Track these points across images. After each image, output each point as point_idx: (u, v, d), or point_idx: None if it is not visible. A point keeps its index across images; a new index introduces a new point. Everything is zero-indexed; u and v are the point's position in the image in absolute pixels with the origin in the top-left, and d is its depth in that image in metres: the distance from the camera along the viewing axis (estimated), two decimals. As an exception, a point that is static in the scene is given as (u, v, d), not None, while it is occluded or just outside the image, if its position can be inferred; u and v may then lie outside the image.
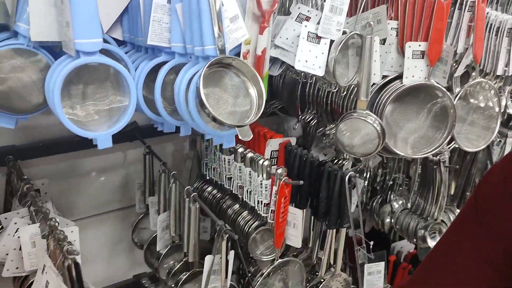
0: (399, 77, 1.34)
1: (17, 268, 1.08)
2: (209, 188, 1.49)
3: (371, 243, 1.31)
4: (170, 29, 0.93)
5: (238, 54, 0.99)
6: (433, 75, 1.29)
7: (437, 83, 1.28)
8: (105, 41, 1.03)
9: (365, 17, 1.21)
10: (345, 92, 1.27)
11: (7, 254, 1.08)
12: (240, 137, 0.86)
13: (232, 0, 0.92)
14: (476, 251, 0.68)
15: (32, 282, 1.08)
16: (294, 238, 1.27)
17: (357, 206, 1.37)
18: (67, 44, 0.80)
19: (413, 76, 1.33)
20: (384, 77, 1.35)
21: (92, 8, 0.77)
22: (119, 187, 1.55)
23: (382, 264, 1.33)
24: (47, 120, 1.29)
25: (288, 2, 1.31)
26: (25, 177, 1.16)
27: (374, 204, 1.83)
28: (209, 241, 1.52)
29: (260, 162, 1.27)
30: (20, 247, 1.04)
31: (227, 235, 1.11)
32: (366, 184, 1.75)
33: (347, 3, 1.16)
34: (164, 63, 0.96)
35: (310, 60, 1.16)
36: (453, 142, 1.40)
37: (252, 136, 0.87)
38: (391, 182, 1.81)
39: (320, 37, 1.17)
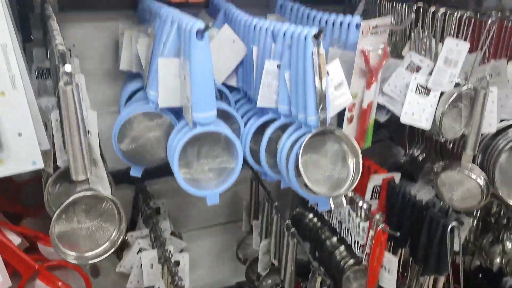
0: (520, 123, 1.27)
1: (138, 281, 1.26)
2: (310, 215, 1.55)
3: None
4: (278, 92, 1.00)
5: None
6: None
7: None
8: (220, 92, 1.14)
9: (481, 70, 1.15)
10: (451, 144, 1.23)
11: (131, 267, 1.27)
12: (332, 207, 0.91)
13: (338, 68, 0.96)
14: None
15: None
16: (389, 281, 1.29)
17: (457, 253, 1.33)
18: (186, 112, 0.91)
19: (535, 126, 1.24)
20: (502, 121, 1.28)
21: (208, 88, 0.87)
22: (228, 203, 1.69)
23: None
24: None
25: (400, 44, 1.30)
26: (149, 200, 1.34)
27: (484, 241, 1.75)
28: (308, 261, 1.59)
29: (359, 203, 1.29)
30: (141, 265, 1.22)
31: (321, 278, 1.18)
32: (475, 223, 1.67)
33: (464, 56, 1.12)
34: (270, 120, 1.04)
35: (417, 112, 1.15)
36: None
37: (345, 205, 0.91)
38: (505, 221, 1.71)
39: (430, 89, 1.15)
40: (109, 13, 1.26)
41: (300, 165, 0.88)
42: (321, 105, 0.90)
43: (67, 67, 0.71)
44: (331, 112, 0.96)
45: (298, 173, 0.89)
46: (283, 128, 1.01)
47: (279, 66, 0.98)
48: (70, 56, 1.20)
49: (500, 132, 1.30)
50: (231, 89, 1.20)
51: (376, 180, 1.45)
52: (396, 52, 1.31)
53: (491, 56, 1.29)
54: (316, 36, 0.87)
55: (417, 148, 1.57)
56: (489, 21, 1.05)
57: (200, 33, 0.82)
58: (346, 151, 0.94)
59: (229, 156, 0.95)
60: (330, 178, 0.93)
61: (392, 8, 1.28)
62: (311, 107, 0.91)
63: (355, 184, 0.92)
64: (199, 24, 0.83)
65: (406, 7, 1.24)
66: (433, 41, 1.18)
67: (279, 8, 1.37)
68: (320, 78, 0.89)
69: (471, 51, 1.19)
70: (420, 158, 1.56)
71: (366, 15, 1.40)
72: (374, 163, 1.50)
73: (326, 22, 1.17)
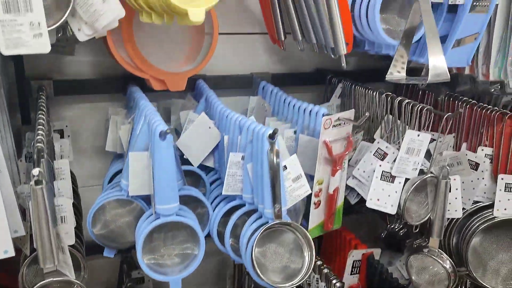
0: (493, 205, 1.30)
1: None
2: (293, 286, 1.58)
3: None
4: (243, 180, 1.06)
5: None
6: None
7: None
8: (195, 173, 1.22)
9: (443, 159, 1.20)
10: (417, 229, 1.27)
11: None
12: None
13: (295, 163, 1.02)
14: None
15: None
16: None
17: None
18: (152, 202, 0.99)
19: (505, 209, 1.28)
20: (476, 202, 1.32)
21: (170, 183, 0.94)
22: (214, 270, 1.73)
23: None
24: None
25: (373, 128, 1.37)
26: (131, 271, 1.40)
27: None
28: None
29: (333, 282, 1.32)
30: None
31: None
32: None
33: (426, 145, 1.17)
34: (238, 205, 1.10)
35: (382, 198, 1.20)
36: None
37: (297, 298, 0.96)
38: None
39: (395, 176, 1.20)
40: (100, 96, 1.37)
41: (253, 258, 0.94)
42: (276, 200, 0.96)
43: (35, 171, 0.80)
44: (289, 203, 1.02)
45: (253, 265, 0.95)
46: (249, 213, 1.07)
47: (243, 157, 1.05)
48: (62, 137, 1.30)
49: (476, 212, 1.33)
50: (210, 169, 1.28)
51: (356, 255, 1.48)
52: (369, 135, 1.37)
53: (463, 139, 1.34)
54: (271, 136, 0.94)
55: (398, 223, 1.59)
56: (445, 117, 1.11)
57: (163, 135, 0.91)
58: (303, 243, 0.99)
59: (193, 242, 1.01)
60: (286, 268, 0.98)
61: (364, 93, 1.36)
62: (267, 200, 0.97)
63: (307, 276, 0.96)
64: (162, 127, 0.91)
65: (377, 94, 1.31)
66: (401, 127, 1.24)
67: (261, 89, 1.47)
68: (275, 174, 0.95)
69: (450, 132, 1.25)
70: (401, 233, 1.58)
71: (343, 97, 1.48)
72: (355, 238, 1.53)
73: (299, 109, 1.25)
